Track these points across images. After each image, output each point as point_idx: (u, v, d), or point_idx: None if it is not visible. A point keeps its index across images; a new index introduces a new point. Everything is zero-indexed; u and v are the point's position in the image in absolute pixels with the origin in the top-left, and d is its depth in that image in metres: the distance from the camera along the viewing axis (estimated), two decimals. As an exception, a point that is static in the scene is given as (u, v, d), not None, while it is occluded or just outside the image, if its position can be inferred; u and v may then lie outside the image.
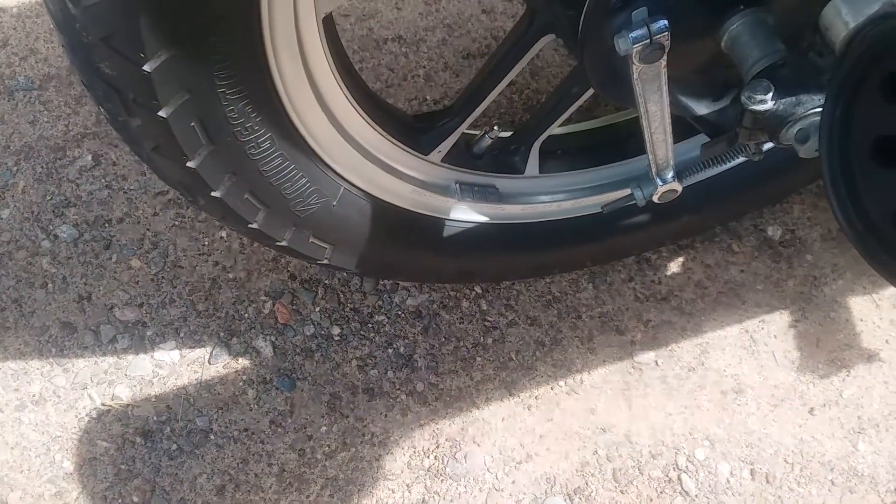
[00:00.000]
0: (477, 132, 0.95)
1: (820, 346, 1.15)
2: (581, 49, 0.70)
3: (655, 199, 0.79)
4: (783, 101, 0.60)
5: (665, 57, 0.65)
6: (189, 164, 0.66)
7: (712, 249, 1.21)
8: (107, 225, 1.18)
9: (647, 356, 1.15)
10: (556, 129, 0.96)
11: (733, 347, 1.15)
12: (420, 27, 1.32)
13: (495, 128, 0.92)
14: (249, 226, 0.77)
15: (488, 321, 1.16)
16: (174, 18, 0.54)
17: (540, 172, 0.98)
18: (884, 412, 1.12)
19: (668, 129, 0.72)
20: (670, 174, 0.77)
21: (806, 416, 1.12)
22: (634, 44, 0.63)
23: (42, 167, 1.20)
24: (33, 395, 1.10)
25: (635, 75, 0.66)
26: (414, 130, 0.87)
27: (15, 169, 1.19)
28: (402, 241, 0.92)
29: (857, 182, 0.47)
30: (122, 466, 1.08)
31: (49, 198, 1.18)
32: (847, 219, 0.47)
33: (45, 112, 1.23)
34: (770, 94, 0.60)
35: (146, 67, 0.56)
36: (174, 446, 1.09)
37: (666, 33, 0.63)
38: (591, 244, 1.06)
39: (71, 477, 1.07)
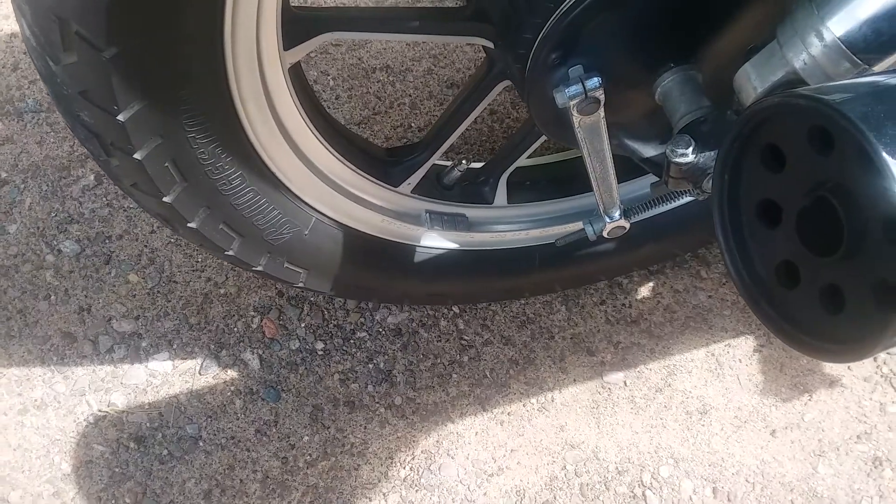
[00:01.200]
0: (448, 163, 1.01)
1: (783, 371, 1.20)
2: (527, 98, 0.75)
3: (605, 234, 0.84)
4: (703, 154, 0.65)
5: (602, 109, 0.70)
6: (165, 199, 0.72)
7: (682, 275, 1.25)
8: (107, 241, 1.25)
9: (617, 376, 1.20)
10: (523, 162, 1.01)
11: (699, 370, 1.20)
12: (407, 57, 1.38)
13: (463, 161, 0.98)
14: (226, 253, 0.83)
15: (465, 340, 1.21)
16: (143, 75, 0.60)
17: (508, 202, 1.03)
18: (844, 436, 1.16)
19: (612, 171, 0.78)
20: (617, 212, 0.82)
21: (768, 438, 1.16)
22: (571, 98, 0.68)
23: (48, 185, 1.27)
24: (35, 401, 1.17)
25: (576, 125, 0.72)
26: (384, 164, 0.93)
27: (22, 186, 1.27)
28: (373, 266, 0.98)
29: (745, 238, 0.52)
30: (116, 469, 1.15)
31: (54, 214, 1.26)
32: (736, 271, 0.52)
33: (52, 133, 1.31)
34: (690, 149, 0.65)
35: (120, 118, 0.62)
36: (165, 452, 1.16)
37: (600, 89, 0.68)
38: (559, 270, 1.11)
39: (68, 478, 1.14)
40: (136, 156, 0.66)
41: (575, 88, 0.68)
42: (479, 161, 1.04)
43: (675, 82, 0.71)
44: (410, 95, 1.35)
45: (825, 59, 0.56)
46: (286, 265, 0.89)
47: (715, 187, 0.53)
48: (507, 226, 1.04)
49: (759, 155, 0.49)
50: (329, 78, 1.36)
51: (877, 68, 0.56)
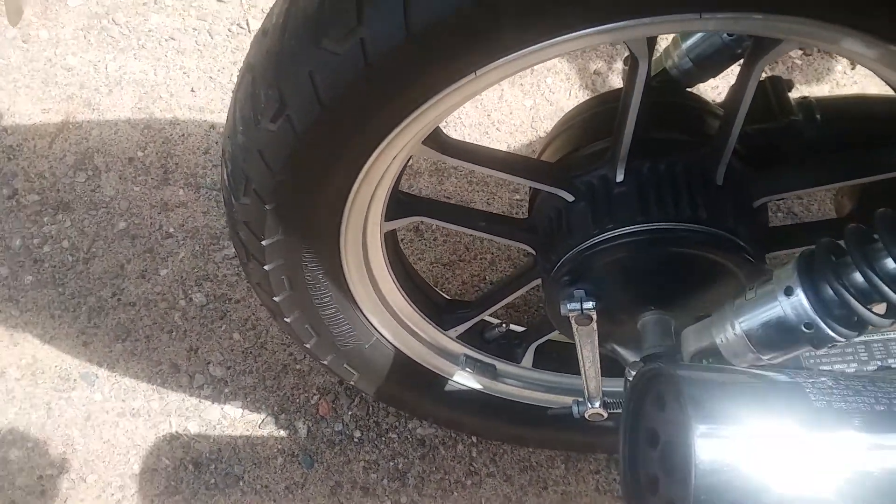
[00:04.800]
0: (495, 321, 1.26)
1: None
2: (545, 298, 1.01)
3: (586, 416, 1.06)
4: (650, 380, 0.88)
5: (594, 324, 0.95)
6: (275, 298, 1.02)
7: (672, 470, 1.42)
8: (227, 302, 1.58)
9: (591, 540, 1.37)
10: (553, 336, 1.25)
11: (665, 558, 1.35)
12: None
13: (503, 325, 1.23)
14: (304, 345, 1.11)
15: (473, 467, 1.43)
16: (285, 223, 0.91)
17: (533, 366, 1.27)
18: None
19: (598, 370, 1.01)
20: (598, 402, 1.04)
21: None
22: (570, 312, 0.93)
23: (199, 247, 1.63)
24: (133, 409, 1.48)
25: (574, 330, 0.96)
26: (441, 311, 1.20)
27: (181, 242, 1.63)
28: (411, 384, 1.23)
29: (637, 452, 0.73)
30: (172, 483, 1.42)
31: (196, 270, 1.60)
32: (624, 475, 0.73)
33: (216, 208, 1.68)
34: (641, 373, 0.88)
35: (263, 243, 0.93)
36: (212, 481, 1.42)
37: (593, 310, 0.93)
38: (564, 434, 1.32)
39: (135, 478, 1.43)
40: (266, 267, 0.96)
41: (574, 305, 0.92)
42: (520, 326, 1.29)
43: (651, 321, 0.94)
44: (493, 253, 1.63)
45: (734, 343, 0.78)
46: (345, 365, 1.16)
47: (623, 410, 0.75)
48: (527, 384, 1.27)
49: (654, 396, 0.72)
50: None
51: (773, 361, 0.78)
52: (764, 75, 1.01)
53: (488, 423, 1.33)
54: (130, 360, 1.52)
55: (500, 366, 1.26)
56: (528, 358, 1.27)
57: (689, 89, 1.06)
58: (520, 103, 1.84)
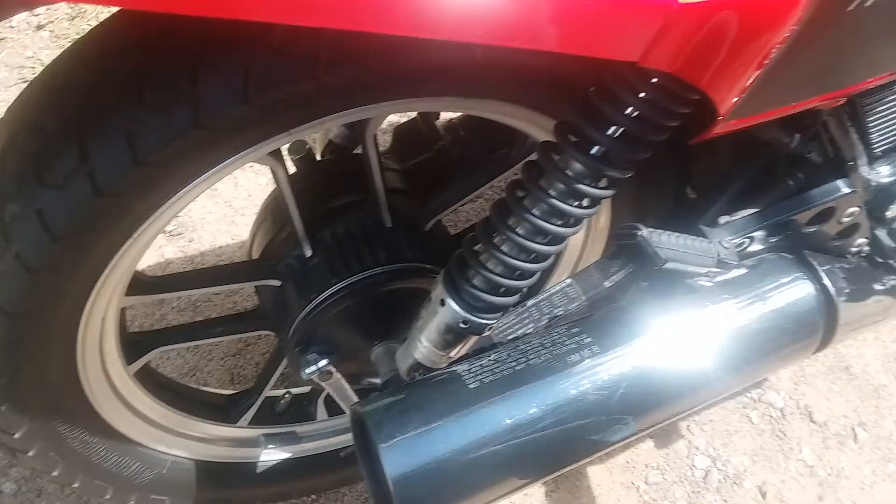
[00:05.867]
0: (279, 392, 1.38)
1: (567, 511, 1.55)
2: (292, 370, 1.14)
3: (372, 445, 1.21)
4: (389, 404, 1.04)
5: (335, 374, 1.09)
6: (54, 474, 1.08)
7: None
8: (39, 478, 1.58)
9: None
10: (335, 385, 1.39)
11: (505, 519, 1.54)
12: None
13: (286, 394, 1.35)
14: (104, 497, 1.18)
15: (322, 520, 1.55)
16: (28, 415, 0.97)
17: (329, 416, 1.40)
18: (618, 558, 1.49)
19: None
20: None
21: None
22: (309, 374, 1.07)
23: (-12, 439, 1.61)
24: None
25: (323, 385, 1.11)
26: (223, 410, 1.30)
27: (-32, 443, 1.60)
28: (223, 482, 1.32)
29: (374, 477, 0.89)
30: None
31: (-4, 462, 1.59)
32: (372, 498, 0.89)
33: None
34: (381, 400, 1.04)
35: (16, 436, 0.99)
36: None
37: (329, 366, 1.07)
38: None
39: None
40: (30, 454, 1.02)
41: (312, 368, 1.07)
42: (303, 388, 1.42)
43: (381, 352, 1.11)
44: (272, 326, 1.74)
45: (428, 353, 0.96)
46: (152, 497, 1.23)
47: (354, 438, 0.91)
48: (331, 433, 1.40)
49: (361, 429, 0.88)
50: (208, 321, 1.75)
51: (457, 354, 0.96)
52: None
53: (313, 480, 1.45)
54: (-41, 576, 1.49)
55: (300, 429, 1.39)
56: (322, 411, 1.40)
57: (356, 152, 1.23)
58: (255, 184, 1.96)
